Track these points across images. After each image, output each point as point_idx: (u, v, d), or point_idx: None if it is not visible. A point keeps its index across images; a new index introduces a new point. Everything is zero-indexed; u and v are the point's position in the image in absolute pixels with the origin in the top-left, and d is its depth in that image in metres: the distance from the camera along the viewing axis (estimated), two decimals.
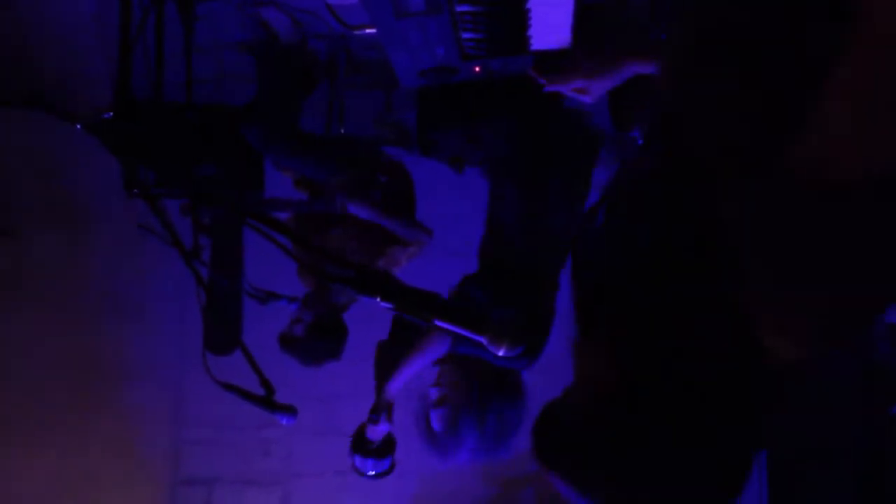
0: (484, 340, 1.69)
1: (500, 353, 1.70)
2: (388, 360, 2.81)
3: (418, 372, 2.71)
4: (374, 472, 2.84)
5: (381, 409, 2.75)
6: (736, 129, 0.96)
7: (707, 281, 1.01)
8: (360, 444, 2.81)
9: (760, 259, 0.92)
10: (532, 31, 1.92)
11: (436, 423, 2.64)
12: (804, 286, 0.90)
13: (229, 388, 2.47)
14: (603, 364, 1.10)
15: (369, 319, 2.90)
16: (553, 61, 1.78)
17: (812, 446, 4.24)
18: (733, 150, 0.96)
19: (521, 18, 1.90)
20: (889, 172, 0.81)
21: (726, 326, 1.00)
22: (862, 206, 0.83)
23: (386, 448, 2.82)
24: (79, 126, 2.04)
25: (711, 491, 1.06)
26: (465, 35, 1.93)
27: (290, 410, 2.45)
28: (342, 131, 3.88)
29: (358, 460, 2.82)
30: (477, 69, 2.08)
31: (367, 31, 2.95)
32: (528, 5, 1.86)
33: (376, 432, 2.78)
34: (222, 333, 3.71)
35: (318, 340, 3.42)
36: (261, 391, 2.44)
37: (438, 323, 1.69)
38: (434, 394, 2.66)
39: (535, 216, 2.73)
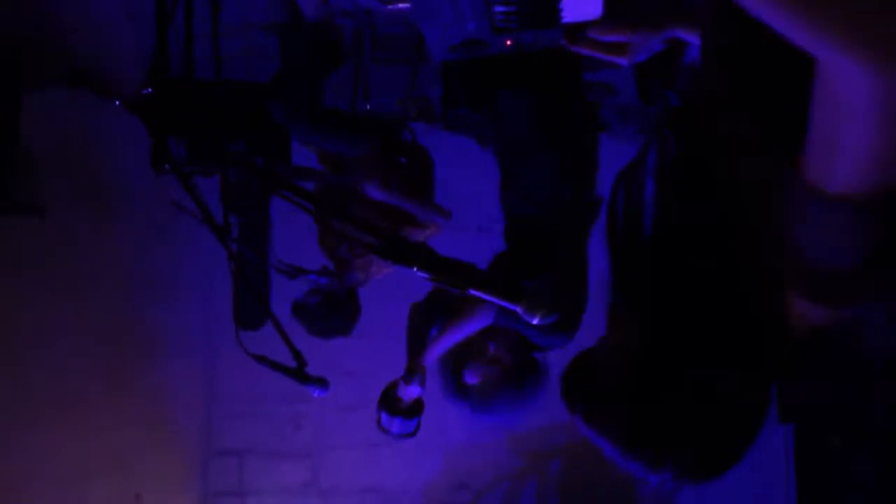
0: (519, 309, 1.71)
1: (535, 322, 1.73)
2: (426, 322, 2.80)
3: (460, 341, 2.70)
4: (398, 433, 2.82)
5: (415, 371, 2.75)
6: (768, 115, 0.98)
7: (734, 251, 1.04)
8: (389, 402, 2.79)
9: (788, 233, 0.94)
10: (563, 4, 1.93)
11: (471, 376, 2.64)
12: (828, 259, 0.92)
13: (262, 360, 2.50)
14: (634, 324, 1.15)
15: (402, 296, 2.92)
16: (588, 28, 1.78)
17: (840, 421, 4.24)
18: (766, 135, 0.98)
19: None
20: None
21: (751, 293, 1.04)
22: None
23: (414, 409, 2.80)
24: (118, 102, 2.06)
25: (725, 441, 1.11)
26: (497, 9, 1.95)
27: (321, 383, 2.48)
28: (367, 107, 3.89)
29: (385, 418, 2.80)
30: (508, 43, 2.10)
31: (399, 6, 2.95)
32: None
33: (407, 392, 2.76)
34: (251, 307, 3.76)
35: (329, 313, 3.44)
36: (292, 364, 2.47)
37: (474, 293, 1.72)
38: (493, 349, 2.67)
39: (557, 190, 2.74)
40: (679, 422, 1.09)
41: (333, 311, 3.45)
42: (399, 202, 3.38)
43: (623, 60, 1.74)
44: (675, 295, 1.10)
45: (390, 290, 3.40)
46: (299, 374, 2.44)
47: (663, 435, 1.10)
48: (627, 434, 1.12)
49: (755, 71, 1.00)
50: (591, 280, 2.70)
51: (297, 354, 2.47)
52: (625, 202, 1.18)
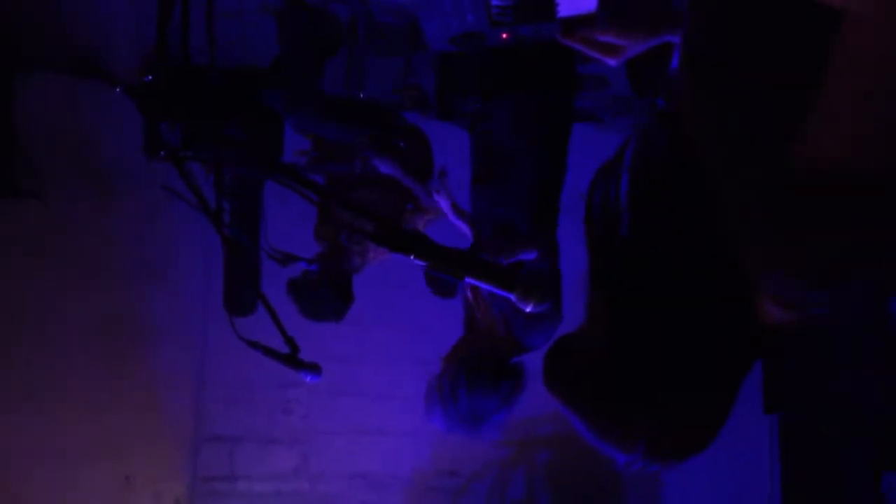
0: (512, 297, 1.74)
1: (528, 310, 1.76)
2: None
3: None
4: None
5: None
6: (743, 120, 1.01)
7: (706, 251, 1.08)
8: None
9: (753, 234, 0.98)
10: None
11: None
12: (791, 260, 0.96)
13: (254, 345, 2.52)
14: (607, 313, 1.19)
15: (395, 283, 2.94)
16: (582, 23, 1.81)
17: (827, 409, 4.27)
18: (740, 140, 1.02)
19: None
20: (886, 171, 0.86)
21: (725, 290, 1.08)
22: (859, 202, 0.89)
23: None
24: (119, 89, 2.08)
25: (693, 422, 1.16)
26: (494, 1, 1.97)
27: (314, 368, 2.50)
28: (361, 96, 3.91)
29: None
30: (504, 36, 2.12)
31: None
32: None
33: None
34: (242, 293, 3.77)
35: (323, 294, 3.46)
36: (284, 350, 2.49)
37: (470, 280, 1.75)
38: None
39: (537, 186, 2.75)
40: (648, 403, 1.14)
41: (327, 294, 3.47)
42: (403, 178, 3.39)
43: (612, 61, 1.77)
44: (646, 288, 1.14)
45: (384, 277, 3.42)
46: (292, 359, 2.47)
47: (632, 415, 1.15)
48: (598, 413, 1.18)
49: (732, 81, 1.04)
50: (571, 275, 2.71)
51: (289, 340, 2.49)
52: (601, 199, 1.21)
